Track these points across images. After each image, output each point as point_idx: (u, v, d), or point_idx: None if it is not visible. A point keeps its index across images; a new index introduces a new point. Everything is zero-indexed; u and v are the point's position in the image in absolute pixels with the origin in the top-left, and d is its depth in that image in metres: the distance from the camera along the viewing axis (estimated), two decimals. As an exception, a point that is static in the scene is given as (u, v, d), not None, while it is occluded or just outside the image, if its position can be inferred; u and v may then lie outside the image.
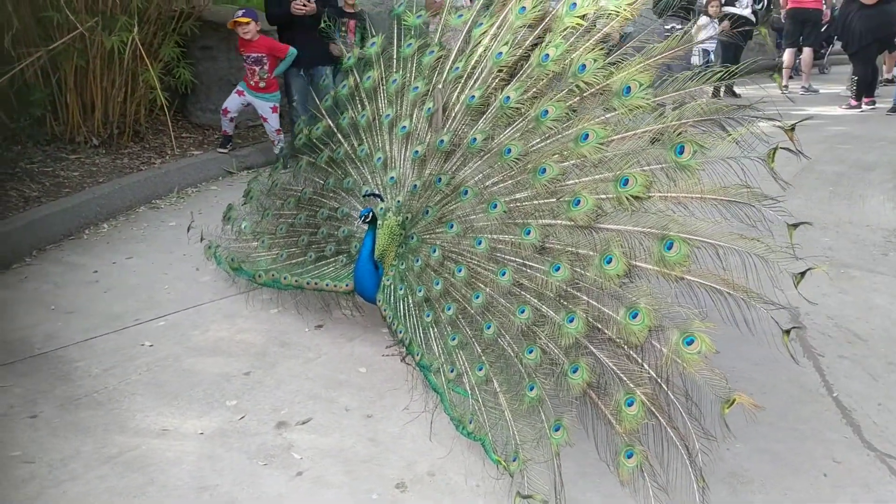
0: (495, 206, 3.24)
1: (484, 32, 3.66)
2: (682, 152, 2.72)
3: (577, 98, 3.14)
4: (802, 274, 2.74)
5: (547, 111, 3.20)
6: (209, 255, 4.44)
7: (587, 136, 3.01)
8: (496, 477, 2.74)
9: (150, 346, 3.78)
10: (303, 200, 4.16)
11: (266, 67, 6.83)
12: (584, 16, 3.21)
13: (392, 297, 3.49)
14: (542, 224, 3.06)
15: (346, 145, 4.10)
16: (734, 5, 10.46)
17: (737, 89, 11.26)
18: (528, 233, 3.08)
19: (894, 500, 2.79)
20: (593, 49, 3.15)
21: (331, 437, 3.08)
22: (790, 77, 11.57)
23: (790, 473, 2.92)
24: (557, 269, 2.93)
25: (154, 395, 3.34)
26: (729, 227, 2.66)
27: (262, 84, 6.89)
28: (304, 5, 6.81)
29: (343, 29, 7.20)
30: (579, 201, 2.93)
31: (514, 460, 2.67)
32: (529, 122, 3.27)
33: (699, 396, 2.59)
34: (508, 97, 3.39)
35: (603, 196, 2.90)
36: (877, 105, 10.05)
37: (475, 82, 3.60)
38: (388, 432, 3.12)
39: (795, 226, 2.75)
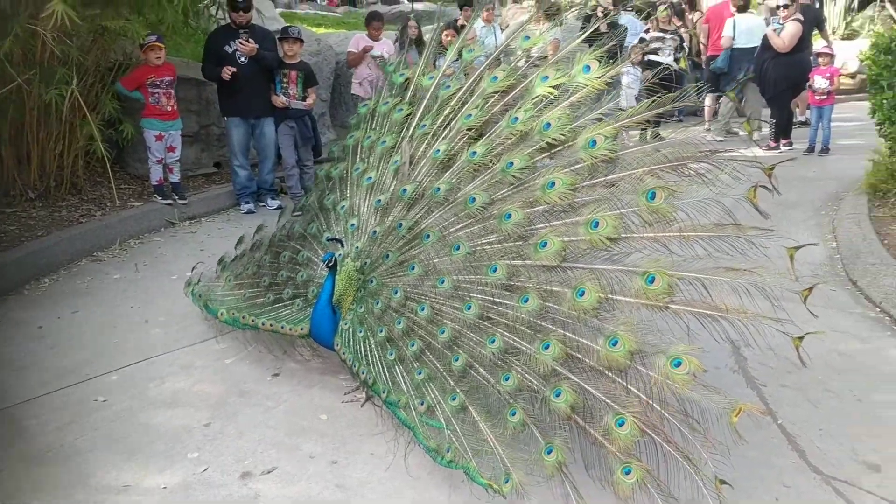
0: (458, 248, 3.38)
1: (452, 95, 3.86)
2: (653, 197, 2.92)
3: (545, 154, 3.35)
4: (801, 338, 3.07)
5: (512, 162, 3.38)
6: (187, 292, 4.46)
7: (553, 183, 3.19)
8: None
9: (105, 400, 3.72)
10: (273, 242, 4.27)
11: (173, 92, 6.90)
12: (556, 86, 3.41)
13: (351, 340, 3.54)
14: (510, 264, 3.19)
15: (314, 194, 4.24)
16: (657, 54, 10.96)
17: (661, 132, 11.76)
18: (495, 270, 3.20)
19: (842, 520, 2.95)
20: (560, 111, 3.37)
21: (297, 486, 3.08)
22: (710, 120, 12.08)
23: (744, 498, 3.05)
24: (526, 300, 3.05)
25: (113, 451, 3.29)
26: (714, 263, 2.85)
27: (176, 109, 6.95)
28: (246, 42, 6.89)
29: (285, 80, 7.28)
30: (546, 244, 3.08)
31: (506, 482, 2.72)
32: (495, 175, 3.44)
33: (697, 412, 2.72)
34: (475, 152, 3.58)
35: (572, 238, 3.05)
36: (794, 146, 10.61)
37: (441, 140, 3.78)
38: (354, 477, 3.14)
39: (797, 248, 3.04)
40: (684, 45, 11.50)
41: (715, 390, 2.65)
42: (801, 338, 3.00)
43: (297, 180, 7.60)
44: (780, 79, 10.22)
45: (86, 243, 5.98)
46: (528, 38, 3.89)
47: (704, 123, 11.72)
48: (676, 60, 11.14)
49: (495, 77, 3.75)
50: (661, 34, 11.07)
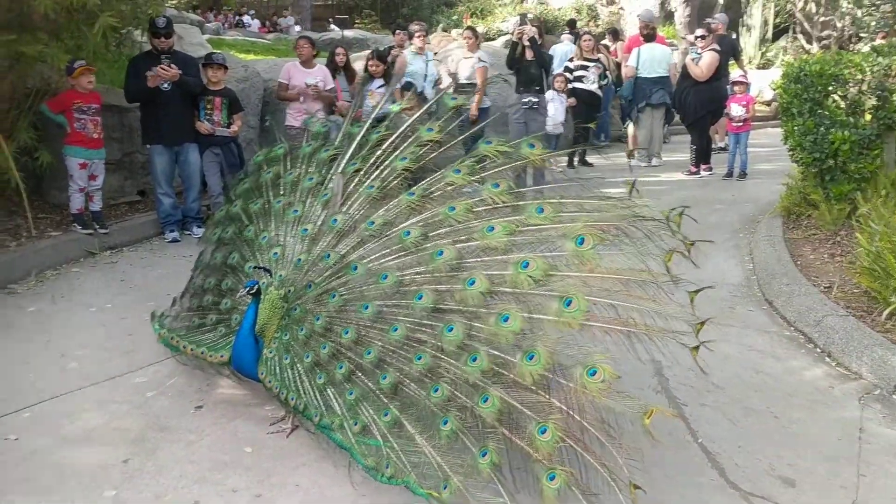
0: (385, 278, 3.43)
1: (381, 139, 4.01)
2: (582, 243, 3.06)
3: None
4: (696, 348, 3.17)
5: (454, 207, 3.50)
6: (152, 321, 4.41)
7: (493, 228, 3.30)
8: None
9: (16, 439, 3.57)
10: (209, 266, 4.27)
11: (100, 119, 6.80)
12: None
13: (277, 368, 3.52)
14: (436, 290, 3.27)
15: (232, 227, 4.23)
16: (582, 81, 11.26)
17: (588, 158, 12.04)
18: (420, 297, 3.26)
19: (759, 535, 3.03)
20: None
21: (219, 522, 3.01)
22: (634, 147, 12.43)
23: (669, 518, 3.12)
24: (451, 329, 3.11)
25: (27, 492, 3.16)
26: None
27: (101, 136, 6.83)
28: (168, 67, 6.80)
29: (209, 107, 7.20)
30: (474, 281, 3.16)
31: (444, 488, 2.79)
32: (436, 214, 3.54)
33: (614, 419, 2.82)
34: (413, 192, 3.69)
35: (498, 274, 3.17)
36: (713, 171, 10.98)
37: (374, 178, 3.90)
38: (279, 511, 3.09)
39: (697, 292, 3.22)
40: (607, 72, 11.85)
41: (629, 396, 2.77)
42: (696, 347, 3.17)
43: (224, 208, 7.48)
44: (699, 106, 10.62)
45: (-1, 275, 5.76)
46: (454, 98, 4.13)
47: (628, 148, 12.07)
48: (600, 87, 11.48)
49: (430, 129, 3.93)
50: (585, 63, 11.39)
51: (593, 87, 11.35)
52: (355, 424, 3.17)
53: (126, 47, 8.34)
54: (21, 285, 5.81)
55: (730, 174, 10.50)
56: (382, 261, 3.55)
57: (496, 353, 3.01)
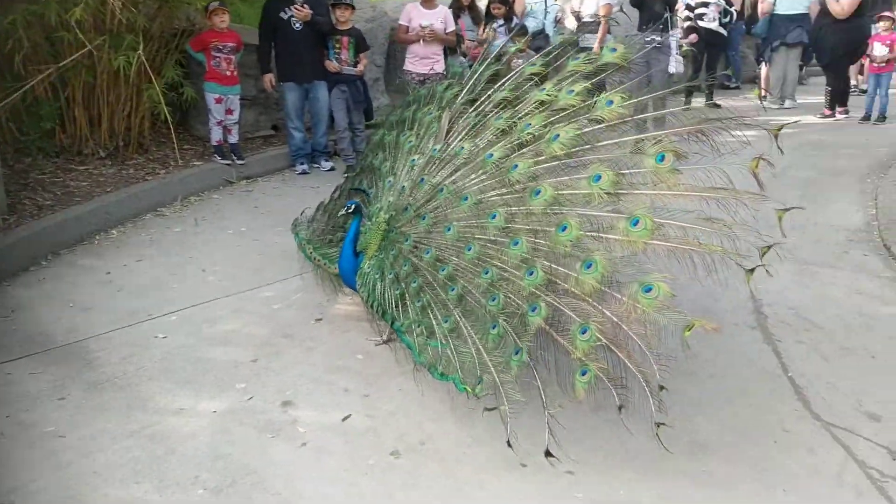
0: (466, 199, 3.66)
1: (493, 76, 4.20)
2: (662, 160, 3.07)
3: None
4: (752, 271, 3.01)
5: (530, 123, 3.65)
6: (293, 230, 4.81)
7: (558, 136, 3.43)
8: (479, 444, 3.08)
9: (164, 337, 4.11)
10: (335, 196, 4.74)
11: (234, 58, 7.28)
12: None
13: (370, 280, 3.81)
14: (507, 210, 3.46)
15: (370, 156, 4.63)
16: (702, 19, 10.84)
17: (717, 100, 11.69)
18: (494, 217, 3.47)
19: (834, 462, 3.12)
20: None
21: (331, 414, 3.41)
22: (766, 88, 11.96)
23: (744, 441, 3.26)
24: (517, 243, 3.29)
25: (169, 380, 3.67)
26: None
27: (235, 74, 7.33)
28: (301, 7, 7.21)
29: (337, 46, 7.56)
30: (539, 191, 3.33)
31: (478, 383, 3.02)
32: (515, 133, 3.71)
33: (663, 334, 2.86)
34: (501, 117, 3.88)
35: (570, 191, 3.29)
36: (850, 114, 10.46)
37: (476, 112, 4.08)
38: (383, 409, 3.45)
39: (786, 210, 3.07)
40: (732, 9, 11.32)
41: (676, 311, 2.77)
42: (751, 270, 3.00)
43: (349, 143, 7.89)
44: (837, 45, 10.09)
45: (150, 199, 6.40)
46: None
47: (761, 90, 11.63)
48: (723, 26, 11.01)
49: (533, 63, 4.06)
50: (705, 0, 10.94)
51: (713, 24, 10.88)
52: (418, 326, 3.42)
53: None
54: (168, 209, 6.45)
55: (867, 117, 10.02)
56: (467, 183, 3.75)
57: (554, 265, 3.13)
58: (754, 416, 3.45)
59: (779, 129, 3.07)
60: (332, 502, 2.86)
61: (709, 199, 2.99)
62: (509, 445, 2.90)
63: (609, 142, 3.39)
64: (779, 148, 3.05)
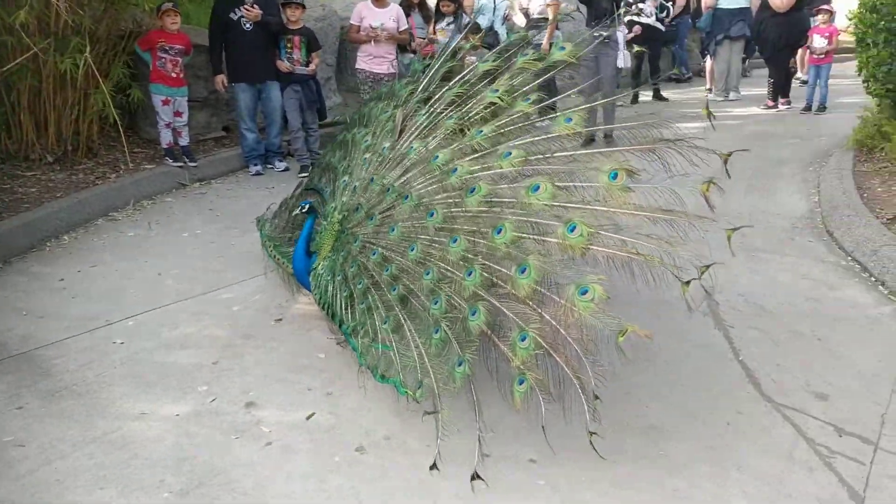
0: (407, 199, 3.71)
1: (447, 75, 4.24)
2: (616, 177, 3.08)
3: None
4: (688, 283, 3.01)
5: (482, 130, 3.71)
6: (257, 225, 4.95)
7: (510, 154, 3.48)
8: (442, 437, 3.12)
9: (123, 343, 4.07)
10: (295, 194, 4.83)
11: (180, 60, 7.23)
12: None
13: (323, 281, 3.84)
14: (447, 210, 3.51)
15: (329, 154, 4.68)
16: (640, 16, 11.06)
17: (664, 93, 11.93)
18: (433, 215, 3.52)
19: (785, 441, 3.25)
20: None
21: (295, 413, 3.43)
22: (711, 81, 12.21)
23: (699, 424, 3.37)
24: (455, 241, 3.34)
25: (130, 385, 3.65)
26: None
27: (182, 76, 7.27)
28: (251, 7, 7.17)
29: (288, 46, 7.54)
30: (475, 189, 3.40)
31: (419, 387, 3.05)
32: (465, 140, 3.76)
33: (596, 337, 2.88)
34: (451, 118, 3.93)
35: (507, 187, 3.37)
36: (792, 105, 10.76)
37: (427, 112, 4.10)
38: (347, 406, 3.48)
39: (734, 230, 3.17)
40: (666, 4, 11.62)
41: (610, 315, 2.77)
42: (687, 283, 3.00)
43: (303, 143, 7.87)
44: (778, 38, 10.37)
45: (102, 204, 6.31)
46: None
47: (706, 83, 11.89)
48: (660, 20, 11.30)
49: (486, 60, 4.13)
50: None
51: (650, 20, 11.13)
52: (363, 329, 3.45)
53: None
54: (121, 213, 6.38)
55: (808, 108, 10.32)
56: (414, 184, 3.77)
57: (493, 265, 3.16)
58: (708, 400, 3.56)
59: (728, 155, 3.07)
60: (299, 500, 2.88)
61: (656, 219, 2.98)
62: (435, 467, 2.87)
63: (561, 153, 3.43)
64: (726, 172, 3.07)
